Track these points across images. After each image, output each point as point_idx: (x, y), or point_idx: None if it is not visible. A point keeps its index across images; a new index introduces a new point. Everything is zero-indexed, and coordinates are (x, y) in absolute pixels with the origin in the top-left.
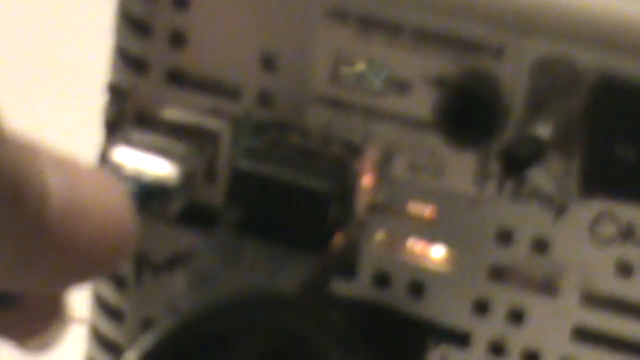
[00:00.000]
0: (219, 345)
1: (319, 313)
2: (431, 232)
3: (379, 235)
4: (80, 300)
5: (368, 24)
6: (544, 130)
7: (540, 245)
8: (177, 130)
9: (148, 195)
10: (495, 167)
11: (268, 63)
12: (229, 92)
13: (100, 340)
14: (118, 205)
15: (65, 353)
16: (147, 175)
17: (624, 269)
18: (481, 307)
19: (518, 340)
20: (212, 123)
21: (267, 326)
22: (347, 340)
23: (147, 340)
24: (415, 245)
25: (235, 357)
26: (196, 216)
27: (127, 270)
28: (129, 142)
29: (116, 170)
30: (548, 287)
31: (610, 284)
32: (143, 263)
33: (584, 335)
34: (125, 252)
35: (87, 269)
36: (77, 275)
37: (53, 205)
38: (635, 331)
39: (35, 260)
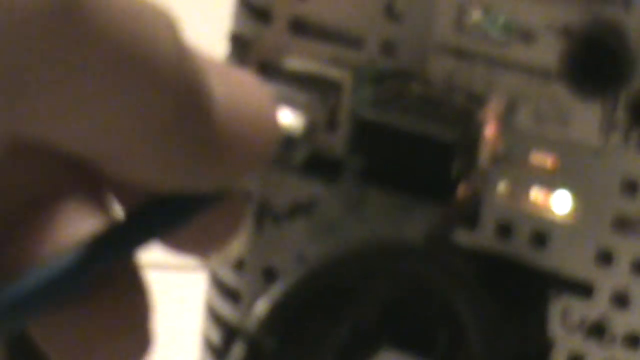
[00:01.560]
0: (346, 293)
1: (446, 262)
2: (554, 182)
3: (502, 186)
4: None
5: None
6: None
7: None
8: (300, 80)
9: None
10: (621, 117)
11: (391, 12)
12: (351, 41)
13: (220, 287)
14: (266, 108)
15: (186, 299)
16: None
17: None
18: (605, 258)
19: None
20: (334, 72)
21: (394, 275)
22: (474, 289)
23: (276, 290)
24: (538, 196)
25: (361, 305)
26: (318, 165)
27: (249, 219)
28: None
29: None
30: None
31: None
32: (264, 212)
33: None
34: (268, 153)
35: (242, 168)
36: (232, 174)
37: (216, 112)
38: None
39: (200, 162)
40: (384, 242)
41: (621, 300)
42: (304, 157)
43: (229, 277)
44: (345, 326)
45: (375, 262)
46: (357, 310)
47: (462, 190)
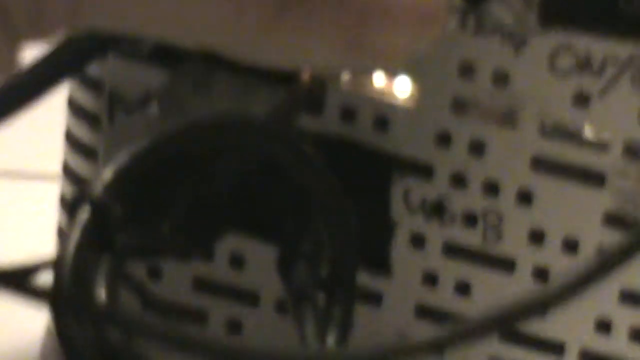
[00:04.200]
0: (192, 166)
1: (291, 139)
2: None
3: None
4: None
5: None
6: None
7: (501, 78)
8: None
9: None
10: (458, 1)
11: None
12: None
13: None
14: None
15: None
16: None
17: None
18: (444, 140)
19: (479, 171)
20: None
21: (238, 149)
22: (321, 170)
23: (122, 157)
24: (380, 81)
25: (207, 179)
26: (167, 53)
27: (100, 108)
28: None
29: None
30: (508, 119)
31: (567, 115)
32: (115, 101)
33: (542, 166)
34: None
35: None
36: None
37: None
38: (590, 160)
39: (363, 42)
40: (230, 116)
41: (459, 180)
42: (151, 46)
43: (82, 167)
44: (189, 199)
45: (222, 135)
46: (202, 184)
47: (305, 75)
